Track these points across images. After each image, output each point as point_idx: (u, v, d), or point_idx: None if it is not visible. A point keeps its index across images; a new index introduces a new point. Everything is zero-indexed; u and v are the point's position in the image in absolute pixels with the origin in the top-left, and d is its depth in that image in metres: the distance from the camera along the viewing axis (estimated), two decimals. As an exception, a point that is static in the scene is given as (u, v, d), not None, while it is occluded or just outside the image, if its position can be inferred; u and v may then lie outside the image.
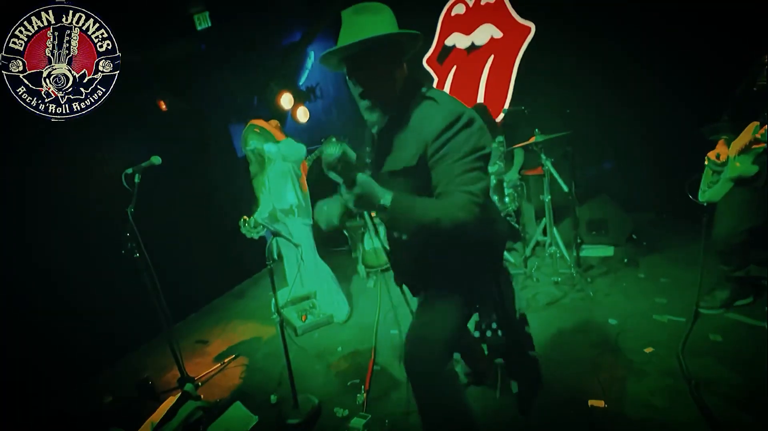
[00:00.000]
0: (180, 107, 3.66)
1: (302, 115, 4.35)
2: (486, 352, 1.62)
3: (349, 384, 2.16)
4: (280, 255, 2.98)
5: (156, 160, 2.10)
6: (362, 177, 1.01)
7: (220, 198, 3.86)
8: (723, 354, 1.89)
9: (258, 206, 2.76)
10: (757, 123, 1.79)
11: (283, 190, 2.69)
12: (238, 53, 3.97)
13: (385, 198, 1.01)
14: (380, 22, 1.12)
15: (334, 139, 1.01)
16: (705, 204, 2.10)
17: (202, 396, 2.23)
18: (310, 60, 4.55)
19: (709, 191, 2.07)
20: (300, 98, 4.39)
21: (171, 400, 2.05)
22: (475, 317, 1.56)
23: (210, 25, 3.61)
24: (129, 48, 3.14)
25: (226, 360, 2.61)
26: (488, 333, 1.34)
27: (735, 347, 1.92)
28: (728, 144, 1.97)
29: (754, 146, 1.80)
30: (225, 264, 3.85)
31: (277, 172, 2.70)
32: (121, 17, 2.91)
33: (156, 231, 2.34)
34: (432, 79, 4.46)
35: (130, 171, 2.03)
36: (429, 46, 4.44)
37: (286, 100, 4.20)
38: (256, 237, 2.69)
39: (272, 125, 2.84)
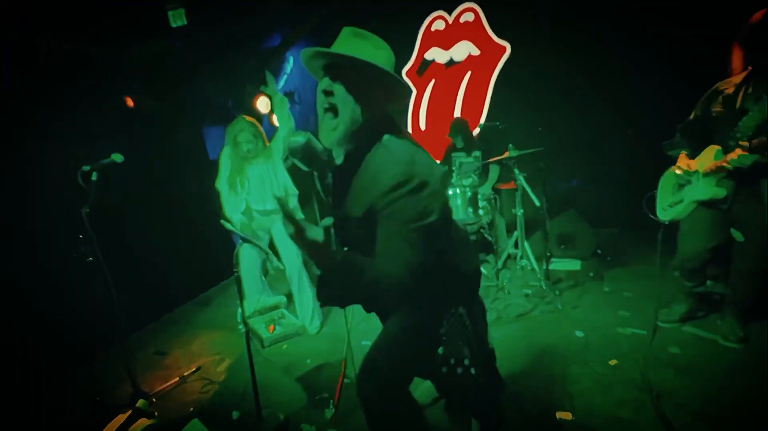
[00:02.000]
0: (149, 105, 3.50)
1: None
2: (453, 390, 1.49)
3: (317, 398, 2.08)
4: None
5: (117, 157, 1.98)
6: (312, 233, 0.95)
7: (187, 200, 3.69)
8: (681, 365, 1.97)
9: (229, 205, 2.63)
10: (718, 147, 1.90)
11: (265, 190, 2.59)
12: (215, 54, 3.87)
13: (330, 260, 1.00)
14: (378, 57, 1.06)
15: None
16: (667, 222, 2.20)
17: (156, 413, 2.07)
18: (289, 65, 4.50)
19: (671, 210, 2.16)
20: (277, 102, 4.32)
21: (120, 419, 1.90)
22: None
23: (185, 23, 3.51)
24: (93, 40, 3.01)
25: (185, 374, 2.45)
26: (459, 371, 1.23)
27: (692, 359, 2.01)
28: (689, 157, 2.08)
29: (721, 170, 1.89)
30: (190, 270, 3.67)
31: (263, 170, 2.59)
32: (86, 8, 2.78)
33: (115, 234, 2.19)
34: (401, 128, 4.51)
35: (86, 168, 1.89)
36: (409, 59, 4.51)
37: (262, 104, 4.11)
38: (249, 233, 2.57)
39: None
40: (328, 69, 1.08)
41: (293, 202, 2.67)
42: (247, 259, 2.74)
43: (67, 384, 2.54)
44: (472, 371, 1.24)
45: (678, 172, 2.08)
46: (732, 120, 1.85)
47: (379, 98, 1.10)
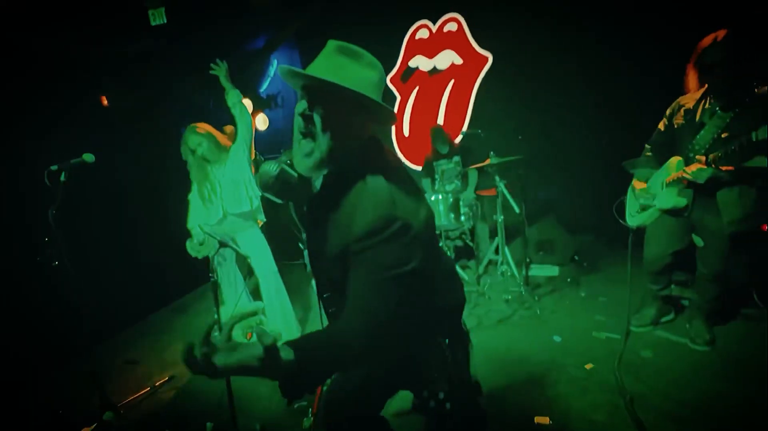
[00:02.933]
0: (126, 104, 3.39)
1: (261, 122, 4.22)
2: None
3: (295, 406, 2.03)
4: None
5: (88, 157, 1.89)
6: (243, 355, 0.78)
7: (163, 203, 3.58)
8: (653, 369, 2.03)
9: (193, 218, 2.55)
10: (680, 158, 2.01)
11: (239, 192, 2.52)
12: (196, 54, 3.80)
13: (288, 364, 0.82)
14: (366, 79, 0.94)
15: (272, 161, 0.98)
16: (635, 228, 2.29)
17: (124, 425, 1.98)
18: (273, 68, 4.46)
19: (638, 216, 2.27)
20: (260, 105, 4.27)
21: (86, 432, 1.79)
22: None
23: (165, 21, 3.43)
24: (70, 38, 2.91)
25: (157, 383, 2.35)
26: (431, 404, 1.13)
27: (663, 362, 2.08)
28: (640, 178, 2.24)
29: (683, 181, 2.00)
30: (165, 275, 3.54)
31: (232, 173, 2.52)
32: (63, 6, 2.69)
33: (86, 237, 2.10)
34: (385, 154, 4.55)
35: (54, 168, 1.80)
36: (393, 65, 4.55)
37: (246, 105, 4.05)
38: (203, 255, 2.46)
39: (227, 131, 2.69)
40: (307, 90, 0.95)
41: (256, 203, 2.59)
42: (226, 265, 2.67)
43: (26, 396, 2.39)
44: (447, 406, 1.14)
45: (637, 189, 2.22)
46: (691, 133, 1.95)
47: (362, 123, 1.00)
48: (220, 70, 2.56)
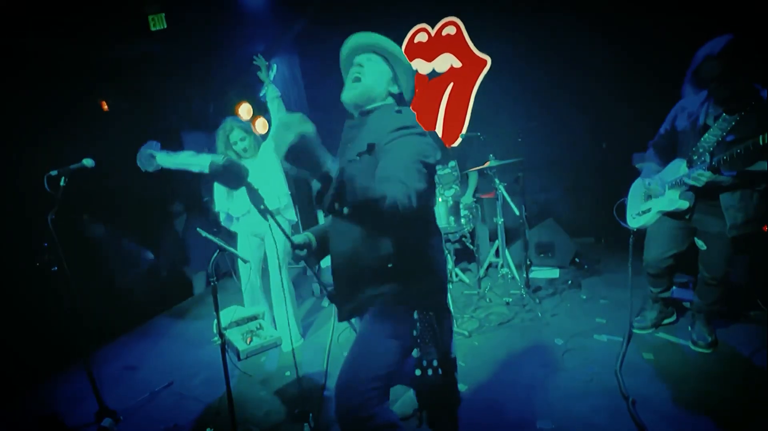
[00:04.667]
0: (127, 109, 3.40)
1: (261, 126, 4.23)
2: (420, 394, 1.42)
3: (296, 412, 2.02)
4: (236, 272, 2.73)
5: (88, 162, 1.89)
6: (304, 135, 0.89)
7: (163, 207, 3.58)
8: (655, 371, 2.02)
9: (219, 203, 2.53)
10: (683, 161, 2.00)
11: (266, 189, 2.46)
12: (196, 59, 3.81)
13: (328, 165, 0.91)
14: (404, 57, 1.33)
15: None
16: (635, 229, 2.29)
17: (124, 431, 1.97)
18: (273, 72, 4.47)
19: (640, 218, 2.25)
20: (260, 109, 4.28)
21: (84, 438, 1.78)
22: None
23: (165, 26, 3.45)
24: (71, 42, 2.92)
25: (156, 389, 2.34)
26: (429, 372, 1.23)
27: (665, 364, 2.07)
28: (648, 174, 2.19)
29: (684, 184, 1.98)
30: (165, 279, 3.54)
31: (262, 169, 2.48)
32: (64, 10, 2.70)
33: (83, 242, 2.09)
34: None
35: (54, 173, 1.80)
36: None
37: (244, 110, 4.07)
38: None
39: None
40: (358, 49, 1.32)
41: (285, 202, 2.58)
42: (245, 269, 2.64)
43: (24, 401, 2.38)
44: (440, 372, 1.24)
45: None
46: (695, 135, 1.95)
47: (388, 81, 1.32)
48: (261, 62, 2.59)
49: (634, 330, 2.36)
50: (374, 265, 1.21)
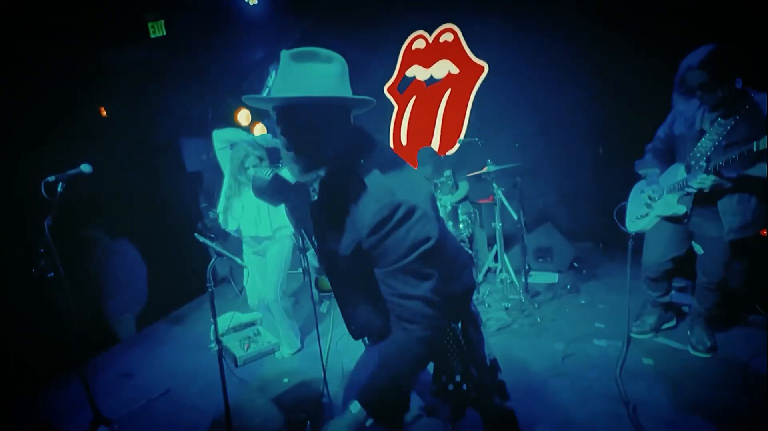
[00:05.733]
0: (125, 114, 3.41)
1: (259, 132, 4.24)
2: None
3: (293, 419, 1.99)
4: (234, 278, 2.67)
5: (86, 168, 1.89)
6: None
7: (161, 213, 3.57)
8: (655, 376, 2.01)
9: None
10: (681, 165, 2.01)
11: (260, 216, 2.38)
12: (195, 65, 3.84)
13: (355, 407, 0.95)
14: (327, 76, 0.94)
15: (266, 163, 1.02)
16: (634, 233, 2.29)
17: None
18: (271, 79, 4.50)
19: (638, 222, 2.26)
20: (258, 116, 4.30)
21: (79, 447, 1.76)
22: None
23: (165, 34, 3.47)
24: (68, 47, 2.93)
25: (152, 397, 2.31)
26: (450, 387, 1.17)
27: (665, 369, 2.06)
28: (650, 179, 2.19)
29: (682, 188, 2.00)
30: (162, 285, 3.52)
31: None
32: (64, 16, 2.72)
33: (80, 248, 2.08)
34: (372, 143, 4.59)
35: (51, 179, 1.80)
36: (391, 75, 4.60)
37: (243, 117, 4.09)
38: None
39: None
40: (279, 110, 0.97)
41: (276, 227, 2.46)
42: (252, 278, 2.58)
43: (19, 409, 2.35)
44: (464, 387, 1.18)
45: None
46: (692, 140, 1.96)
47: (341, 118, 0.99)
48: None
49: (634, 335, 2.35)
50: (373, 309, 1.10)
